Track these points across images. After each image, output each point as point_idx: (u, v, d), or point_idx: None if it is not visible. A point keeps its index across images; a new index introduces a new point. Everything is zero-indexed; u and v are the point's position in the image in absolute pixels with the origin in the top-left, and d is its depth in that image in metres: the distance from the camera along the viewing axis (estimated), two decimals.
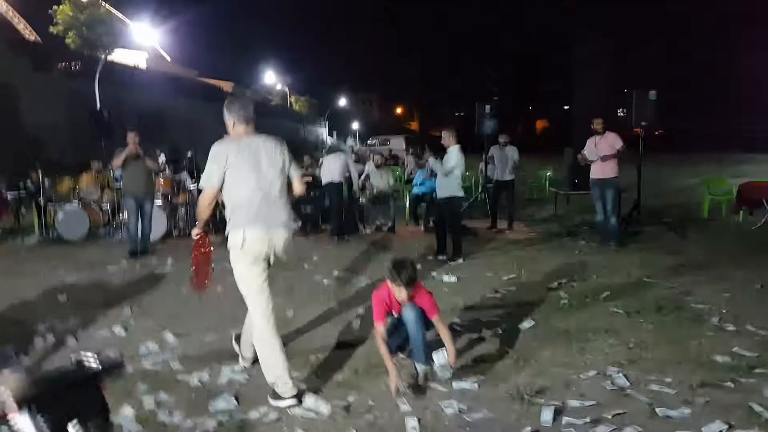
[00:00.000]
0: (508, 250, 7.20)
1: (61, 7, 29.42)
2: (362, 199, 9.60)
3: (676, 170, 20.00)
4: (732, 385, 3.19)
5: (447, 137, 6.60)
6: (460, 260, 6.58)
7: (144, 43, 30.86)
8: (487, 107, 9.69)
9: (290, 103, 54.18)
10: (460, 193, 6.75)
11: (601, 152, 7.04)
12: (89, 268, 6.83)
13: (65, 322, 4.71)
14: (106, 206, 9.38)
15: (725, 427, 2.72)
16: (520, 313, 4.59)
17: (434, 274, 6.02)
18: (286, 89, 51.55)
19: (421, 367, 3.35)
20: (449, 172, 6.48)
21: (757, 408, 2.88)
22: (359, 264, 6.66)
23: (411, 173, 12.21)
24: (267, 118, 38.63)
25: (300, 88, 56.57)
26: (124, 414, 3.05)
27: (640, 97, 7.91)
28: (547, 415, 2.86)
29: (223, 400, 3.21)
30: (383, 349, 3.27)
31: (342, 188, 8.81)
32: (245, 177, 3.15)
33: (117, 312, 5.00)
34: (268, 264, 3.27)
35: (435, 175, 9.79)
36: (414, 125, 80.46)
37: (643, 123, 8.01)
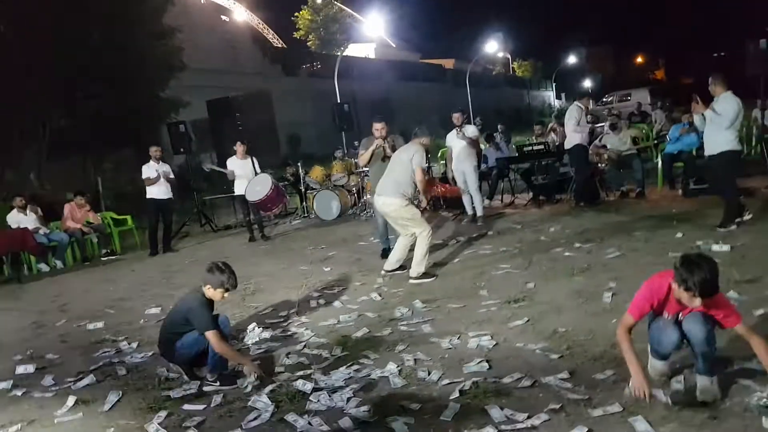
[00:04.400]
0: None
1: (301, 13, 33.81)
2: (600, 164, 8.87)
3: None
4: None
5: (716, 84, 5.60)
6: (733, 227, 5.61)
7: (372, 35, 33.45)
8: (763, 42, 8.00)
9: (512, 69, 52.87)
10: (739, 147, 5.74)
11: None
12: (344, 243, 7.77)
13: (332, 289, 5.47)
14: (354, 189, 10.55)
15: None
16: None
17: (700, 243, 5.25)
18: (508, 56, 50.40)
19: (703, 380, 2.69)
20: (732, 122, 5.52)
21: None
22: (605, 234, 6.16)
23: (661, 130, 10.82)
24: (487, 89, 38.40)
25: (522, 53, 54.66)
26: (389, 369, 3.42)
27: None
28: None
29: (475, 364, 3.35)
30: (626, 346, 2.77)
31: (584, 150, 8.00)
32: None
33: (372, 280, 5.60)
34: None
35: (694, 130, 8.58)
36: (659, 74, 70.80)
37: None
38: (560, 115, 16.33)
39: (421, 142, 5.56)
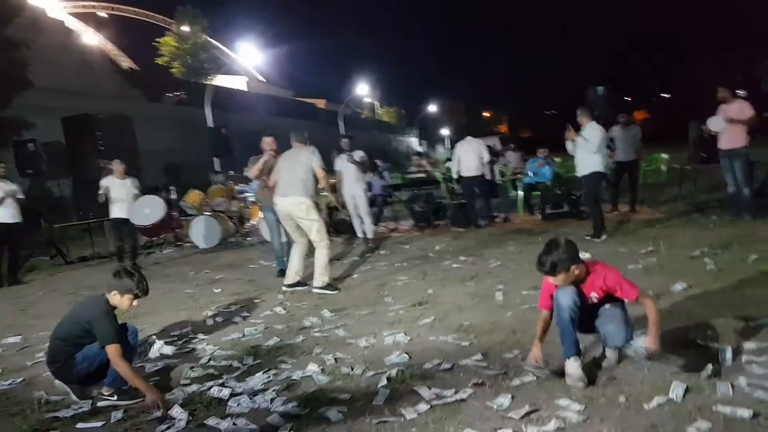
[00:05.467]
0: (637, 228, 7.00)
1: (165, 39, 32.33)
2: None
3: None
4: None
5: (583, 115, 6.56)
6: (605, 236, 6.53)
7: (242, 68, 33.23)
8: (600, 89, 9.49)
9: (379, 115, 55.56)
10: (604, 169, 6.70)
11: (727, 121, 6.73)
12: (231, 268, 7.47)
13: (228, 308, 5.25)
14: (235, 215, 10.25)
15: None
16: (668, 279, 4.49)
17: None
18: (375, 101, 52.94)
19: (611, 353, 3.02)
20: (599, 147, 6.42)
21: None
22: (483, 250, 6.74)
23: (516, 167, 12.09)
24: (358, 131, 39.82)
25: (388, 100, 57.98)
26: (311, 368, 3.42)
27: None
28: (726, 355, 2.84)
29: (396, 356, 3.48)
30: (538, 332, 3.06)
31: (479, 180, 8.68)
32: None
33: (272, 297, 5.49)
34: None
35: (548, 164, 9.82)
36: (502, 128, 79.44)
37: None
38: (428, 153, 17.63)
39: (306, 144, 5.70)
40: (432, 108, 53.89)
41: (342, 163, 8.14)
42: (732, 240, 5.65)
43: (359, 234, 8.25)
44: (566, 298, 2.90)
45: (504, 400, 2.71)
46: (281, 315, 4.84)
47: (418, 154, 11.62)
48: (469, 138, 8.89)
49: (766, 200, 7.47)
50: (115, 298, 3.29)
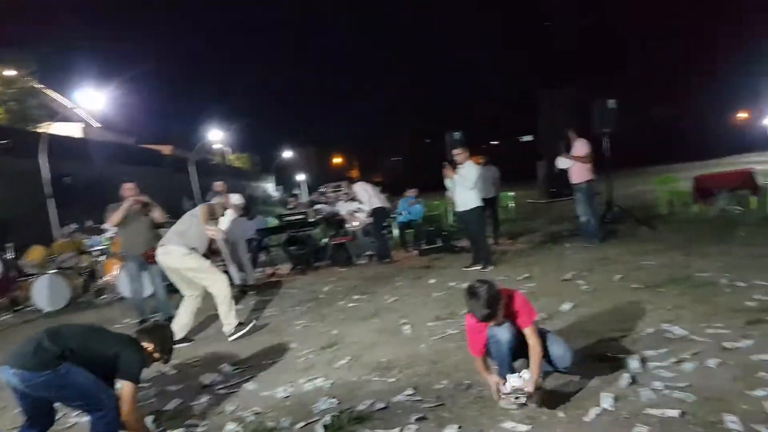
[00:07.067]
0: (507, 260, 7.52)
1: None
2: (354, 229, 9.81)
3: (630, 180, 20.63)
4: None
5: (460, 154, 6.95)
6: (491, 267, 6.88)
7: (76, 115, 30.34)
8: (456, 134, 10.20)
9: (230, 161, 54.06)
10: (482, 203, 7.10)
11: (571, 159, 7.74)
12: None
13: None
14: (86, 271, 9.09)
15: None
16: (552, 300, 4.88)
17: (452, 284, 6.27)
18: (226, 148, 51.47)
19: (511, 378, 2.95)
20: (476, 184, 6.83)
21: None
22: (374, 287, 6.74)
23: None
24: (210, 177, 38.11)
25: (240, 146, 56.96)
26: (230, 428, 3.09)
27: (600, 106, 8.76)
28: (634, 364, 3.13)
29: (323, 402, 3.28)
30: (481, 373, 3.08)
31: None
32: None
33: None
34: None
35: (419, 203, 10.30)
36: (354, 173, 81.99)
37: (605, 130, 8.80)
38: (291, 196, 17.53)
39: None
40: (286, 154, 53.94)
41: None
42: (591, 264, 6.35)
43: (237, 281, 7.73)
44: (505, 332, 2.94)
45: (451, 431, 2.68)
46: (172, 375, 4.32)
47: (293, 195, 11.46)
48: (361, 182, 9.55)
49: (608, 227, 8.61)
50: (149, 348, 3.04)
